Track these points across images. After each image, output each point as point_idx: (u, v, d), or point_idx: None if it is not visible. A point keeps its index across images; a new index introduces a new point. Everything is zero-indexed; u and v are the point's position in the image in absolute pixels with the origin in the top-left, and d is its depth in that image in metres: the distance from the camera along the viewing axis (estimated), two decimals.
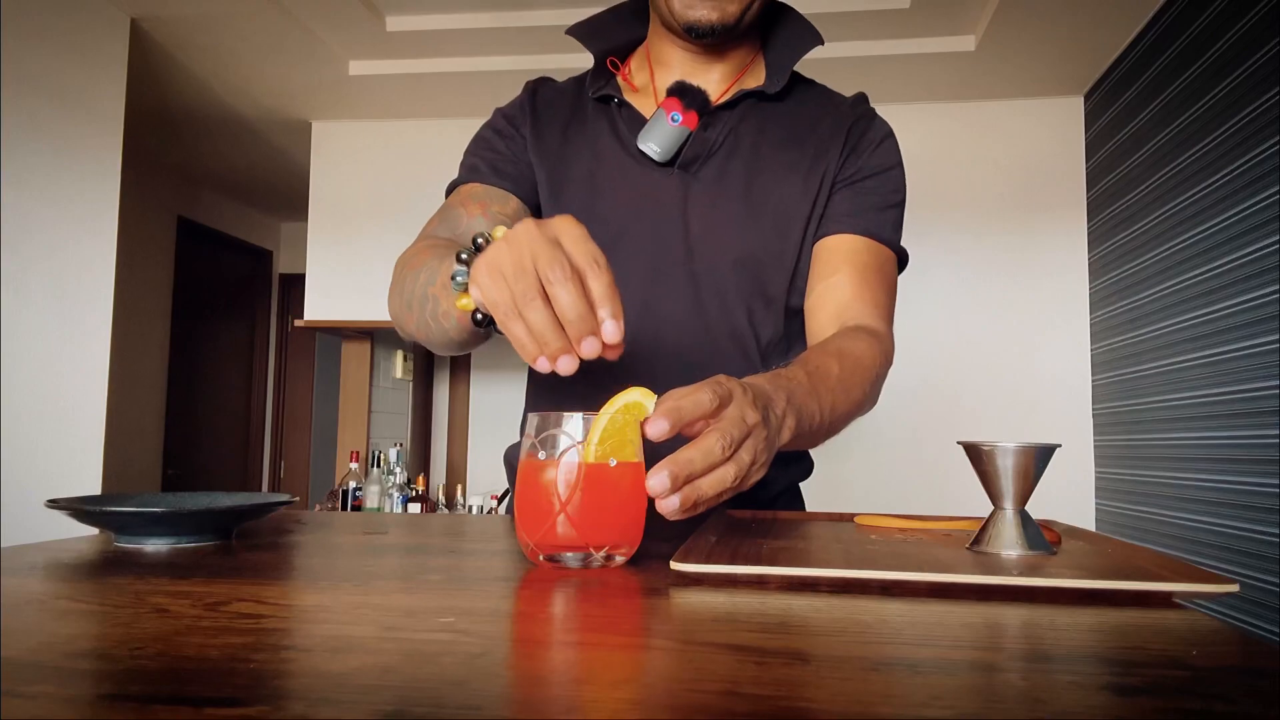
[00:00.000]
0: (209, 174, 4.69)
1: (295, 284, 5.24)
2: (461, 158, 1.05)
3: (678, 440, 0.93)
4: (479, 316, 0.68)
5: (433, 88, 3.37)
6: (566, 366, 0.58)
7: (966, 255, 3.39)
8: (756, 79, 1.02)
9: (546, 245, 0.56)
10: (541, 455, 0.60)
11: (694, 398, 0.59)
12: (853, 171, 0.98)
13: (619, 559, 0.61)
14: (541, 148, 1.01)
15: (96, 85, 2.72)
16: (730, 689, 0.34)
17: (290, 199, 4.89)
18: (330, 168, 3.80)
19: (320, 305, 3.73)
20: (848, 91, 1.07)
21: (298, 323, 3.64)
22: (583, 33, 1.04)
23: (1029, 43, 2.94)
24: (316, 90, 3.47)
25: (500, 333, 0.65)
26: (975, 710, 0.32)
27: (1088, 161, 3.33)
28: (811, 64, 3.06)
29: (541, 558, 0.61)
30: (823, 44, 1.03)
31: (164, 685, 0.34)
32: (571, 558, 0.60)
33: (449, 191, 1.03)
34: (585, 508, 0.58)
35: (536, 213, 1.01)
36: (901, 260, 1.00)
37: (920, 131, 3.45)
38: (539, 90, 1.06)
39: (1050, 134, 3.38)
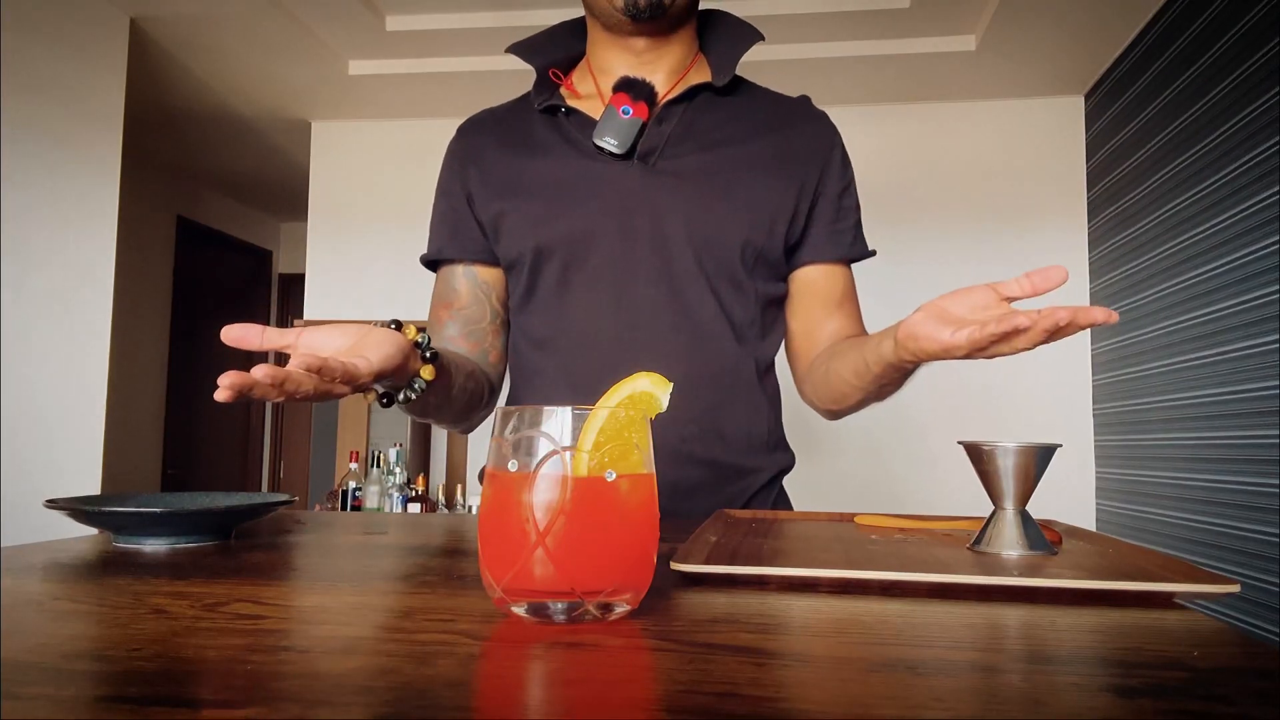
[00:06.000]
0: (209, 174, 4.69)
1: (295, 284, 5.24)
2: (431, 212, 1.10)
3: (678, 422, 0.95)
4: (384, 400, 0.77)
5: (432, 87, 3.37)
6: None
7: (966, 255, 3.38)
8: (703, 77, 1.05)
9: None
10: (513, 465, 0.45)
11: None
12: (832, 187, 1.05)
13: (621, 608, 0.46)
14: (486, 172, 1.03)
15: (96, 85, 2.72)
16: (730, 690, 0.34)
17: (290, 199, 4.89)
18: (330, 168, 3.80)
19: (320, 305, 3.73)
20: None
21: (297, 323, 3.63)
22: (523, 49, 1.06)
23: (1029, 43, 2.94)
24: (316, 90, 3.47)
25: (405, 402, 0.78)
26: (976, 711, 0.32)
27: (1088, 161, 3.32)
28: (810, 63, 3.09)
29: (513, 608, 0.45)
30: (763, 39, 1.06)
31: (162, 687, 0.34)
32: (555, 608, 0.45)
33: (427, 263, 1.10)
34: (572, 539, 0.44)
35: (491, 255, 1.06)
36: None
37: (920, 131, 3.45)
38: (472, 123, 1.09)
39: (1050, 134, 3.38)
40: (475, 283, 1.06)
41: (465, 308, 1.05)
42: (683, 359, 0.98)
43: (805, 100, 1.10)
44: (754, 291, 1.02)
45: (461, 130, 1.09)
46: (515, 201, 1.01)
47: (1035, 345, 0.67)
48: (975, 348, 0.69)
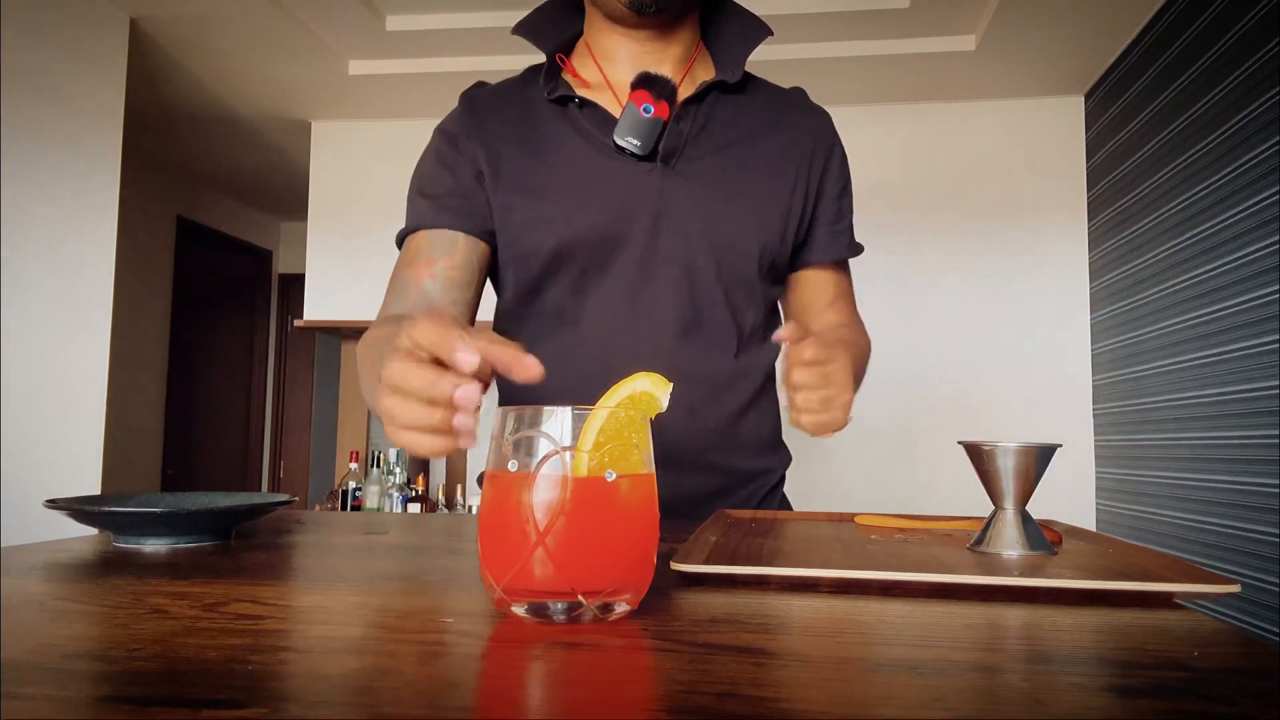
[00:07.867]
0: (209, 174, 4.69)
1: (295, 284, 5.24)
2: (409, 189, 1.02)
3: (696, 431, 0.94)
4: None
5: (432, 87, 3.36)
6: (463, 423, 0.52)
7: (967, 255, 3.38)
8: (707, 70, 1.02)
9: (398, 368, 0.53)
10: (513, 465, 0.45)
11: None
12: (832, 186, 1.04)
13: (621, 608, 0.46)
14: (496, 158, 0.97)
15: (96, 85, 2.72)
16: (730, 690, 0.34)
17: (290, 199, 4.89)
18: (330, 167, 3.80)
19: (320, 305, 3.73)
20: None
21: (297, 323, 3.64)
22: (530, 31, 1.00)
23: (1029, 43, 2.94)
24: (316, 90, 3.47)
25: None
26: (976, 712, 0.32)
27: (1088, 161, 3.32)
28: (810, 63, 3.09)
29: (513, 608, 0.45)
30: (772, 35, 1.03)
31: (162, 687, 0.34)
32: (555, 608, 0.45)
33: (400, 239, 1.01)
34: (572, 539, 0.44)
35: (492, 237, 0.99)
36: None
37: (920, 131, 3.45)
38: (478, 98, 1.02)
39: (1050, 134, 3.38)
40: (473, 249, 0.98)
41: (455, 266, 0.96)
42: (698, 366, 0.96)
43: (801, 93, 1.08)
44: (762, 296, 1.01)
45: (467, 105, 1.01)
46: (529, 197, 0.96)
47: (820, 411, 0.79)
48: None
